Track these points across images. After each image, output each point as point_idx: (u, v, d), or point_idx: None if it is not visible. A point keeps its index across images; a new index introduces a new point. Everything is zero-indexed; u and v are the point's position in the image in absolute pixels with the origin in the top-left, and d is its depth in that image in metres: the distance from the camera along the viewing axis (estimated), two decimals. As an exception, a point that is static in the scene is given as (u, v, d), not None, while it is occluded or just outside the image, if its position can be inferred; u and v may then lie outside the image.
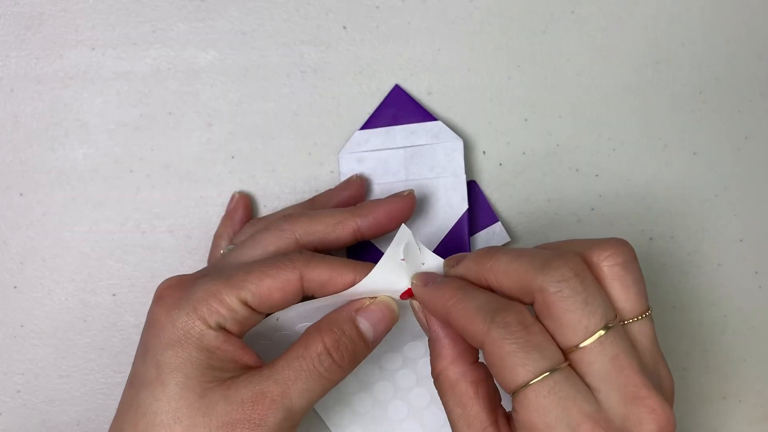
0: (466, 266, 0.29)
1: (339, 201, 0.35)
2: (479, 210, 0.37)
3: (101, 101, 0.37)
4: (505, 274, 0.27)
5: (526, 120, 0.37)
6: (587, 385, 0.26)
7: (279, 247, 0.31)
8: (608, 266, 0.27)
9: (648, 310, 0.28)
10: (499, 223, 0.37)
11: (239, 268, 0.30)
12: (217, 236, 0.36)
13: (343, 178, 0.36)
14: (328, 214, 0.32)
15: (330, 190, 0.36)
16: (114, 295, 0.37)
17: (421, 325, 0.30)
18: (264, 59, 0.37)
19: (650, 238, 0.38)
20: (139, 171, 0.37)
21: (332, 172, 0.37)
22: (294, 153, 0.37)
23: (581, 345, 0.26)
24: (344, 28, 0.37)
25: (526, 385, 0.25)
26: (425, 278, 0.30)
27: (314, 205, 0.35)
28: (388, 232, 0.33)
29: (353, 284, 0.30)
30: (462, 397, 0.28)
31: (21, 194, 0.37)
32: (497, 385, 0.28)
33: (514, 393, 0.26)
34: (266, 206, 0.37)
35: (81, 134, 0.37)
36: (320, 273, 0.30)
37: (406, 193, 0.34)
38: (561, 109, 0.37)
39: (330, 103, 0.37)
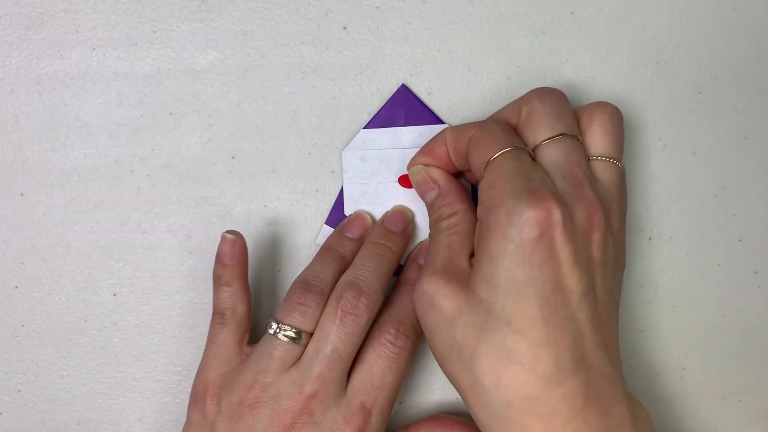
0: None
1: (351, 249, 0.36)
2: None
3: (102, 101, 0.37)
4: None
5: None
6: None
7: None
8: (598, 116, 0.32)
9: (617, 160, 0.32)
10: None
11: None
12: (216, 277, 0.35)
13: (345, 175, 0.36)
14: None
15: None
16: (114, 294, 0.37)
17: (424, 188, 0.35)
18: (264, 59, 0.37)
19: (650, 238, 0.38)
20: (139, 171, 0.37)
21: (332, 172, 0.37)
22: (294, 153, 0.37)
23: (544, 141, 0.31)
24: (344, 28, 0.37)
25: (496, 155, 0.30)
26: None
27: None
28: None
29: None
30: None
31: (22, 194, 0.37)
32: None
33: (487, 166, 0.31)
34: (266, 206, 0.37)
35: (82, 134, 0.37)
36: None
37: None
38: (561, 109, 0.37)
39: (330, 103, 0.37)
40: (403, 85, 0.37)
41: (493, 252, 0.29)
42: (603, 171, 0.32)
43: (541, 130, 0.32)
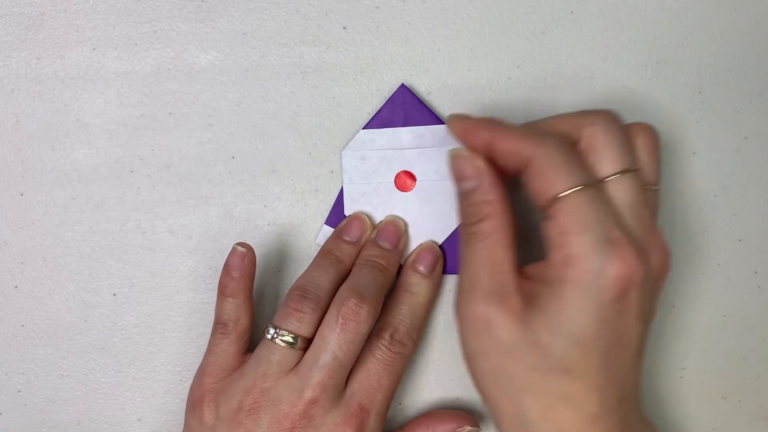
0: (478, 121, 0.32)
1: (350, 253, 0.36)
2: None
3: (102, 101, 0.37)
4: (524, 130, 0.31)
5: (526, 120, 0.37)
6: None
7: None
8: (642, 140, 0.32)
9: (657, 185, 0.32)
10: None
11: None
12: (222, 287, 0.34)
13: (345, 175, 0.36)
14: None
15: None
16: (114, 294, 0.37)
17: (457, 175, 0.32)
18: (264, 59, 0.37)
19: (650, 238, 0.38)
20: (139, 171, 0.37)
21: (332, 172, 0.37)
22: (294, 153, 0.37)
23: (614, 176, 0.29)
24: (344, 28, 0.37)
25: (568, 192, 0.28)
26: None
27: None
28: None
29: None
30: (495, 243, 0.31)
31: (22, 194, 0.37)
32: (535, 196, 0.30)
33: (553, 201, 0.29)
34: (266, 206, 0.37)
35: (81, 134, 0.37)
36: None
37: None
38: (561, 110, 0.37)
39: (330, 103, 0.37)
40: (403, 85, 0.37)
41: (567, 305, 0.28)
42: (651, 201, 0.32)
43: (608, 162, 0.30)
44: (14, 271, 0.37)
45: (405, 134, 0.36)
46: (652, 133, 0.32)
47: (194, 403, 0.34)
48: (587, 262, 0.28)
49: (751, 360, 0.39)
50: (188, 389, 0.36)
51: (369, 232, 0.36)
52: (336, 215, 0.37)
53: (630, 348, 0.29)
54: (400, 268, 0.36)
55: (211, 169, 0.37)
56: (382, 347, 0.33)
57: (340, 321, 0.32)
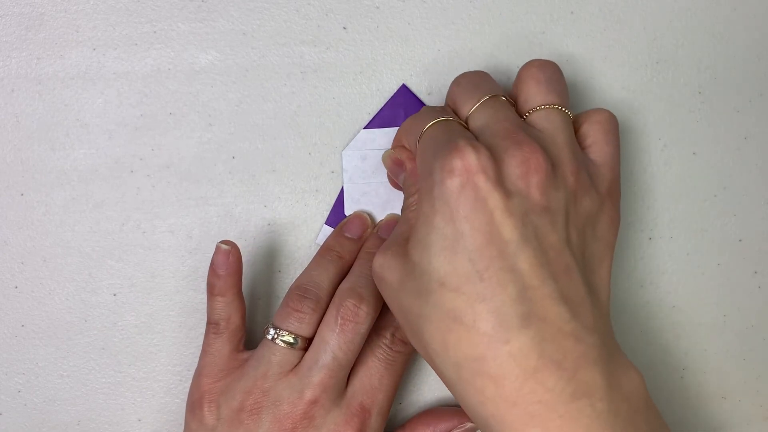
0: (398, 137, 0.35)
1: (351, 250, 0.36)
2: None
3: (102, 101, 0.37)
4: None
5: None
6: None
7: None
8: (529, 72, 0.32)
9: (560, 105, 0.31)
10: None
11: None
12: (210, 286, 0.34)
13: (345, 175, 0.36)
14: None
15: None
16: (114, 295, 0.37)
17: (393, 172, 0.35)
18: (264, 59, 0.37)
19: (650, 238, 0.38)
20: (139, 171, 0.37)
21: (333, 172, 0.37)
22: (294, 153, 0.37)
23: (470, 111, 0.31)
24: (344, 28, 0.37)
25: (426, 127, 0.31)
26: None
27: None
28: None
29: None
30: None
31: (22, 194, 0.37)
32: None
33: (418, 141, 0.31)
34: (266, 206, 0.37)
35: (81, 134, 0.37)
36: None
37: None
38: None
39: (330, 103, 0.37)
40: (403, 85, 0.37)
41: (424, 213, 0.28)
42: (544, 119, 0.30)
43: (464, 103, 0.32)
44: (14, 271, 0.37)
45: None
46: (539, 63, 0.32)
47: (194, 404, 0.34)
48: (428, 167, 0.29)
49: (751, 360, 0.39)
50: (188, 389, 0.35)
51: (370, 230, 0.36)
52: (336, 215, 0.37)
53: (508, 248, 0.27)
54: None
55: (211, 169, 0.37)
56: (384, 346, 0.33)
57: (339, 321, 0.32)
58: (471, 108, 0.31)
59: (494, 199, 0.27)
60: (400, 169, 0.34)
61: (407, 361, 0.34)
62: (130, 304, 0.37)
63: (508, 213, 0.27)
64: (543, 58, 0.35)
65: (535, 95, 0.31)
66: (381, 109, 0.37)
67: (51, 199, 0.37)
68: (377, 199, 0.37)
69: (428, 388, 0.38)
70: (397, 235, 0.31)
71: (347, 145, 0.37)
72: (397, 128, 0.36)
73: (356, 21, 0.37)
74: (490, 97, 0.31)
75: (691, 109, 0.38)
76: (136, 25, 0.36)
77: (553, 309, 0.27)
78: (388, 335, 0.33)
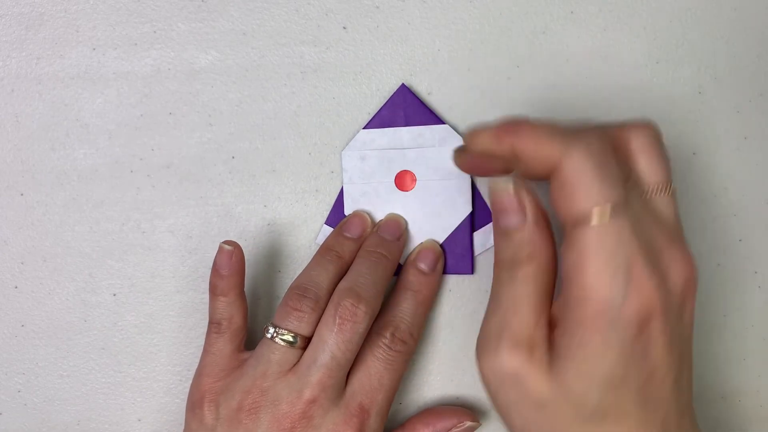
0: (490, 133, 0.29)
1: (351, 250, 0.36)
2: (477, 210, 0.37)
3: (102, 101, 0.37)
4: (534, 137, 0.28)
5: (525, 120, 0.37)
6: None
7: None
8: (636, 141, 0.29)
9: (670, 184, 0.30)
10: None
11: None
12: (212, 286, 0.34)
13: (345, 175, 0.36)
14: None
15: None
16: (114, 295, 0.37)
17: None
18: (264, 59, 0.37)
19: (650, 238, 0.38)
20: (139, 171, 0.37)
21: (332, 172, 0.37)
22: (294, 153, 0.37)
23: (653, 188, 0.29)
24: (344, 28, 0.37)
25: (593, 212, 0.26)
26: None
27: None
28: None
29: None
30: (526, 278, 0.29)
31: (22, 194, 0.37)
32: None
33: (576, 223, 0.27)
34: (266, 206, 0.37)
35: (81, 134, 0.37)
36: None
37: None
38: (561, 110, 0.37)
39: (330, 103, 0.37)
40: (403, 85, 0.37)
41: (592, 351, 0.27)
42: (666, 205, 0.30)
43: (649, 173, 0.30)
44: (14, 271, 0.37)
45: (405, 134, 0.36)
46: (647, 136, 0.30)
47: (194, 403, 0.34)
48: (604, 303, 0.26)
49: (751, 360, 0.39)
50: (188, 389, 0.36)
51: (370, 229, 0.36)
52: (336, 215, 0.37)
53: (666, 379, 0.28)
54: (400, 266, 0.36)
55: (211, 169, 0.37)
56: (383, 346, 0.33)
57: (337, 321, 0.32)
58: (655, 184, 0.29)
59: (662, 341, 0.28)
60: (516, 214, 0.29)
61: (407, 361, 0.34)
62: (130, 304, 0.37)
63: (669, 349, 0.28)
64: (545, 59, 0.35)
65: (653, 173, 0.30)
66: (380, 109, 0.37)
67: (51, 199, 0.37)
68: (377, 198, 0.37)
69: (428, 388, 0.38)
70: (521, 329, 0.28)
71: (347, 145, 0.37)
72: (397, 128, 0.36)
73: (356, 21, 0.37)
74: (620, 202, 0.27)
75: (691, 109, 0.38)
76: (136, 25, 0.36)
77: (682, 422, 0.29)
78: (388, 335, 0.33)
